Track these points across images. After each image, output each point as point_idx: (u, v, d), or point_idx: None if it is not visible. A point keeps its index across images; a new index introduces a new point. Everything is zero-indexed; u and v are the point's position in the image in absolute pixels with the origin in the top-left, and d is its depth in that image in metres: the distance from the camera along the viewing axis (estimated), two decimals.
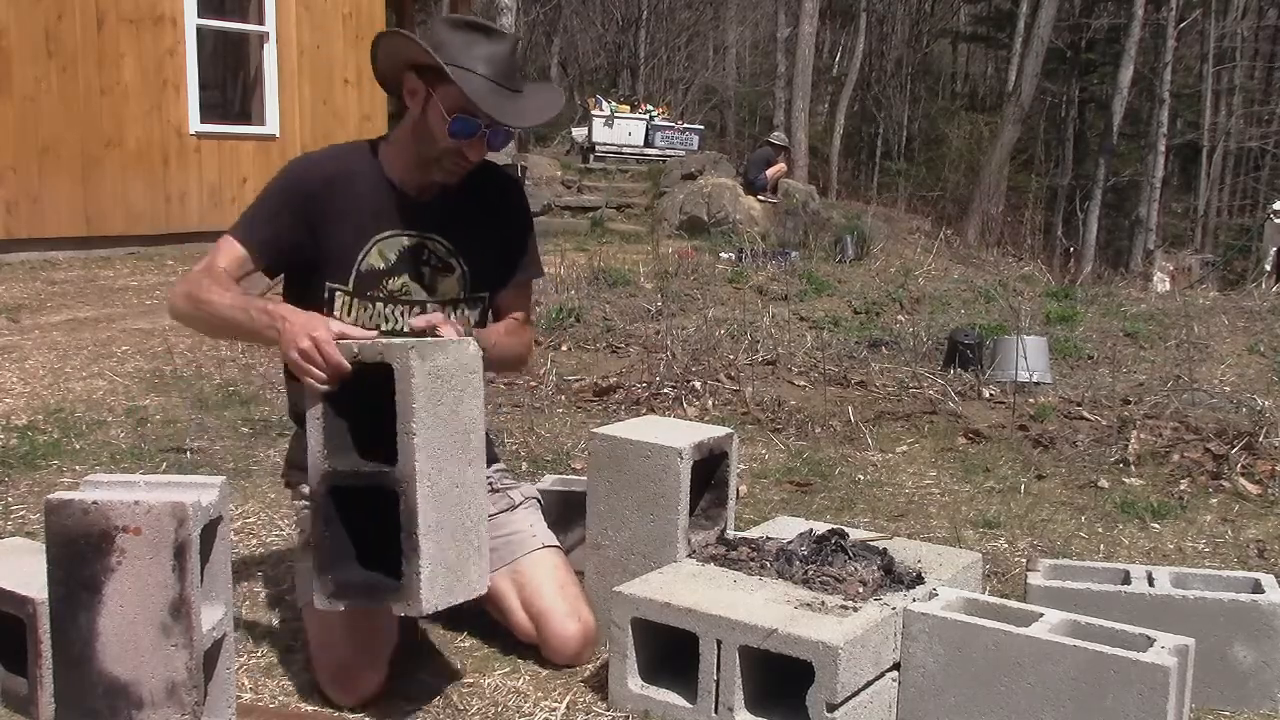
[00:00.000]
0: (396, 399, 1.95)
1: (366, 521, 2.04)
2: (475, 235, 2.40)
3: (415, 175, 2.33)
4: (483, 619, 2.52)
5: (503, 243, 2.46)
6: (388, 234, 2.31)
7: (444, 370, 2.01)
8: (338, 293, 2.30)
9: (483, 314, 2.46)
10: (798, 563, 2.33)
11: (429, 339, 2.08)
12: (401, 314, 2.33)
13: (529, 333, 2.58)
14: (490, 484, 2.38)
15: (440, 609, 2.02)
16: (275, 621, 2.58)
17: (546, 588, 2.39)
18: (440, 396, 2.00)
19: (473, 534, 2.09)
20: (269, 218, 2.28)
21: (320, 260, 2.28)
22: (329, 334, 2.03)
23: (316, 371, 2.02)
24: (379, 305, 2.32)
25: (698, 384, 5.03)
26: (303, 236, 2.27)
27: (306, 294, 2.30)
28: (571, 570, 2.48)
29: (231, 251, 2.28)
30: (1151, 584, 2.38)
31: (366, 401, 2.02)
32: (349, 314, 2.30)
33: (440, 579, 2.00)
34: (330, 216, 2.27)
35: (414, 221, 2.33)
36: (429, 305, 2.35)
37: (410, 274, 2.33)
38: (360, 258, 2.29)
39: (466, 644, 2.49)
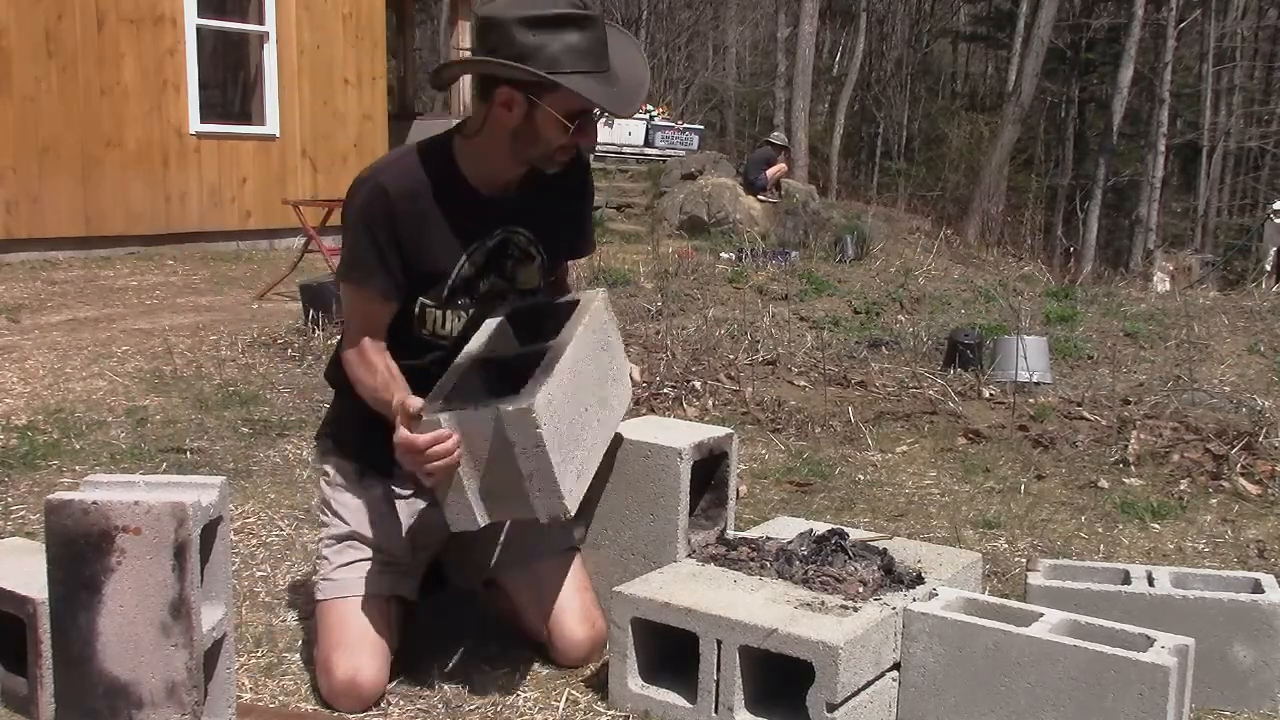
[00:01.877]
0: (571, 317, 2.22)
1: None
2: (552, 220, 2.39)
3: (503, 175, 2.27)
4: (482, 620, 2.53)
5: (572, 220, 2.46)
6: (475, 244, 2.29)
7: (605, 325, 2.31)
8: (428, 308, 2.29)
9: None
10: (798, 563, 2.33)
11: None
12: (488, 312, 2.32)
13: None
14: None
15: (539, 445, 1.98)
16: (275, 621, 2.58)
17: (562, 590, 2.39)
18: (602, 338, 2.28)
19: (579, 454, 2.13)
20: (379, 262, 2.22)
21: (413, 281, 2.26)
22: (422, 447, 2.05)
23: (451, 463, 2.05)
24: (466, 312, 2.31)
25: (698, 384, 5.03)
26: (403, 260, 2.23)
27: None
28: (586, 573, 2.47)
29: (367, 311, 2.27)
30: (1151, 584, 2.37)
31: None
32: (438, 326, 2.30)
33: (550, 421, 2.00)
34: (420, 239, 2.22)
35: (498, 221, 2.31)
36: (509, 296, 2.35)
37: (496, 273, 2.33)
38: (454, 274, 2.28)
39: (466, 644, 2.49)
